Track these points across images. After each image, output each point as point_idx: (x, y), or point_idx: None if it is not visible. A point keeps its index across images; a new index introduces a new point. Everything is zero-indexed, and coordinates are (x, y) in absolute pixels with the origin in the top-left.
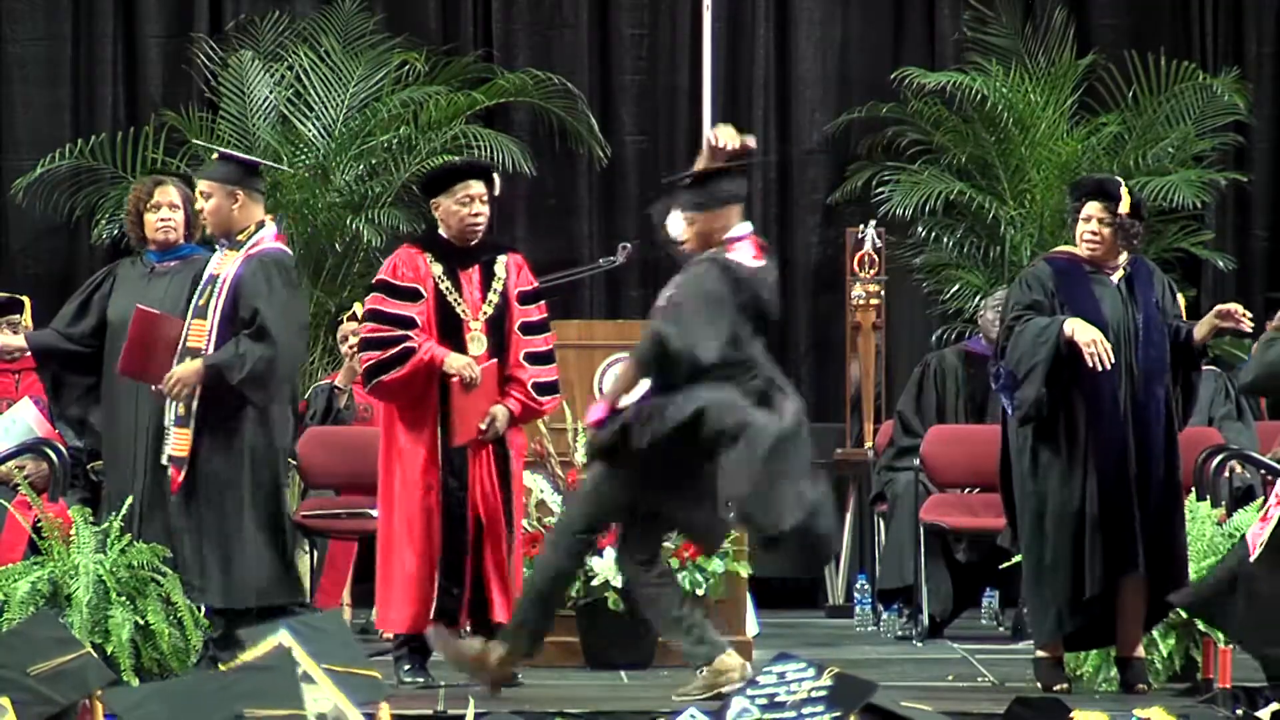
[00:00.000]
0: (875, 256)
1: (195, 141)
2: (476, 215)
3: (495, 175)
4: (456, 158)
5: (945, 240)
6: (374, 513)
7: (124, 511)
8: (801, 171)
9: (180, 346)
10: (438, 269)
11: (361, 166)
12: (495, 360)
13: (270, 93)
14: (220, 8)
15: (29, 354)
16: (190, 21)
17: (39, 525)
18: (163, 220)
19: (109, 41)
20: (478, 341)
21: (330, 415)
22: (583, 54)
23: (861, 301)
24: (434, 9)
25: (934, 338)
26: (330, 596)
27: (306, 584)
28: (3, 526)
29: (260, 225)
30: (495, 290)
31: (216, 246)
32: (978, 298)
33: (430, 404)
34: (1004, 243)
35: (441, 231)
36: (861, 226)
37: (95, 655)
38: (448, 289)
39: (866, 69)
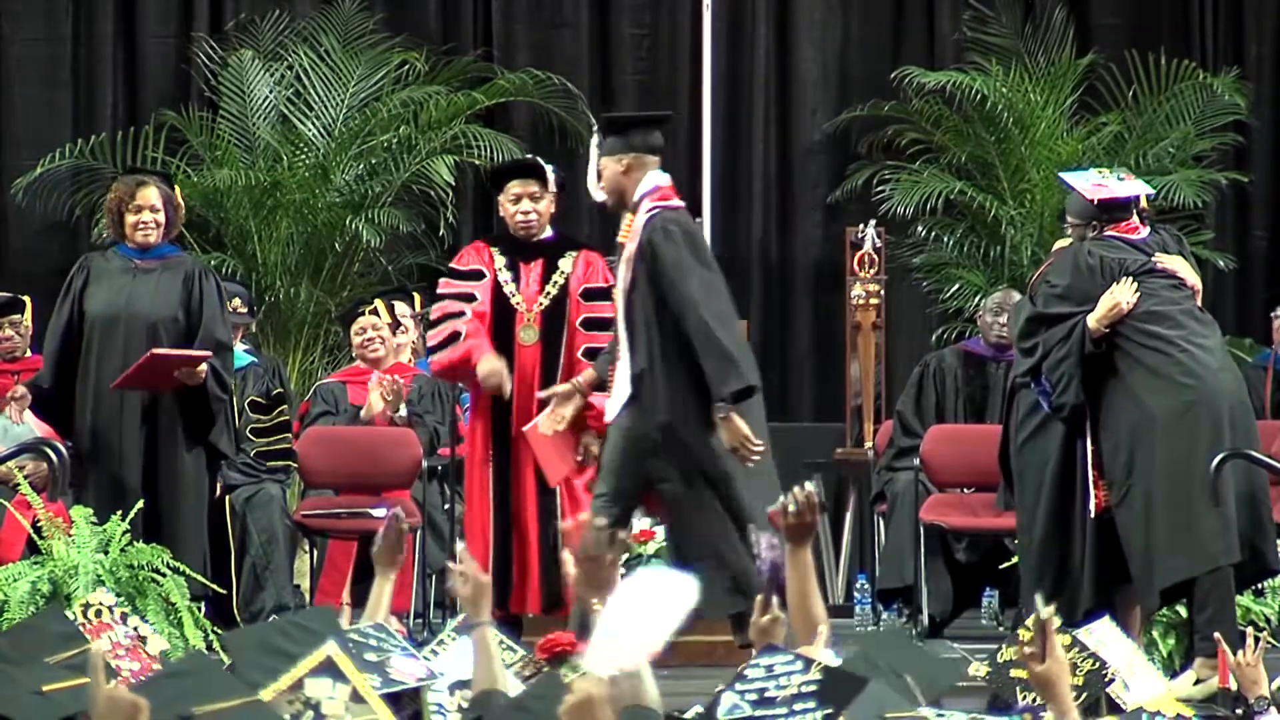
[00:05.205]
0: (875, 256)
1: (195, 141)
2: (527, 213)
3: (549, 171)
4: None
5: (945, 240)
6: (374, 512)
7: (133, 515)
8: (802, 171)
9: None
10: (501, 261)
11: (361, 166)
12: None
13: (270, 92)
14: (220, 8)
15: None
16: (190, 21)
17: (39, 525)
18: (143, 223)
19: (109, 41)
20: (530, 331)
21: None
22: (583, 54)
23: (861, 301)
24: (434, 9)
25: (934, 338)
26: (330, 597)
27: (306, 584)
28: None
29: None
30: (555, 284)
31: None
32: (978, 297)
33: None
34: (1004, 242)
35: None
36: (861, 226)
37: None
38: (505, 280)
39: (866, 68)
